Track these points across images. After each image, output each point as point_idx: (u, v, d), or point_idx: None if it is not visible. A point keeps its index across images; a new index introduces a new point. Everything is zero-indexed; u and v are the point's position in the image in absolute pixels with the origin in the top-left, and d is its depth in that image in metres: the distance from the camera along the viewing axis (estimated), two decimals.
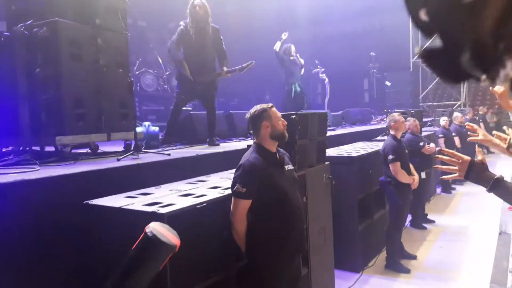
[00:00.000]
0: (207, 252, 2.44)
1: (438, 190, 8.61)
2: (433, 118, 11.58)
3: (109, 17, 4.08)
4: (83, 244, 2.51)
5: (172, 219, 2.14)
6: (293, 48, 8.28)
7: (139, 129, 4.46)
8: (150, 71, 10.29)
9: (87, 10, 3.94)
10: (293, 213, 2.64)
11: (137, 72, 9.89)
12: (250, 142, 2.80)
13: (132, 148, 3.83)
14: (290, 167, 2.78)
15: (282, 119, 2.71)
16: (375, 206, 5.17)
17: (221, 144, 5.14)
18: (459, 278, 4.44)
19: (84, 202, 2.58)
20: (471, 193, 8.36)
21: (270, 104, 2.74)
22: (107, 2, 4.07)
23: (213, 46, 5.03)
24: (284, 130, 2.67)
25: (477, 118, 13.38)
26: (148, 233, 1.61)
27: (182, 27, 5.00)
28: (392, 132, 4.88)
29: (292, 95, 8.27)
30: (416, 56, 15.91)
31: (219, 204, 2.55)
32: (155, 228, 1.65)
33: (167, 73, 10.62)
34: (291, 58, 8.25)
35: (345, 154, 4.87)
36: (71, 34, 3.77)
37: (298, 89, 8.32)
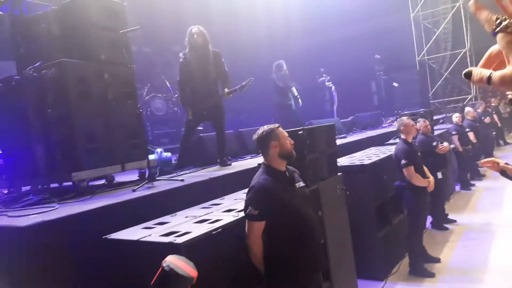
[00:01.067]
0: (226, 277, 2.47)
1: (457, 187, 8.49)
2: (445, 115, 11.46)
3: (113, 52, 4.19)
4: (104, 280, 2.56)
5: (189, 248, 2.18)
6: (284, 64, 8.72)
7: (151, 157, 4.54)
8: (159, 95, 10.45)
9: (92, 47, 4.06)
10: (308, 230, 2.66)
11: (146, 98, 10.06)
12: (262, 159, 2.84)
13: (146, 177, 3.90)
14: (301, 184, 2.81)
15: (290, 138, 2.74)
16: (393, 212, 5.14)
17: (233, 164, 5.19)
18: (487, 278, 4.36)
19: (103, 237, 2.64)
20: (491, 188, 8.23)
21: (277, 125, 2.79)
22: (111, 37, 4.19)
23: (215, 70, 5.12)
24: (292, 149, 2.71)
25: (490, 110, 13.19)
26: (165, 268, 1.64)
27: (181, 59, 5.13)
28: (402, 136, 4.86)
29: (293, 108, 8.58)
30: (421, 54, 15.86)
31: (235, 228, 2.58)
32: (171, 261, 1.68)
33: (176, 95, 10.77)
34: (286, 72, 8.60)
35: (358, 162, 4.86)
36: (78, 72, 3.89)
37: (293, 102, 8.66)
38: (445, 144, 6.24)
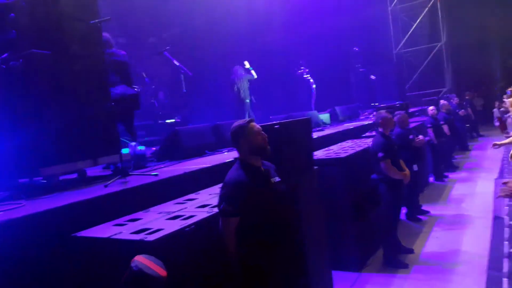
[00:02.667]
0: (200, 274, 2.44)
1: (431, 179, 8.67)
2: (420, 108, 11.66)
3: (84, 43, 4.06)
4: (73, 280, 2.50)
5: (161, 246, 2.14)
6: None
7: (125, 151, 4.45)
8: (135, 87, 10.26)
9: (62, 38, 3.92)
10: (283, 225, 2.65)
11: None
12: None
13: (118, 172, 3.82)
14: (276, 179, 2.79)
15: (262, 132, 2.70)
16: (369, 204, 5.19)
17: (209, 157, 5.14)
18: (457, 268, 4.47)
19: (72, 235, 2.57)
20: (464, 180, 8.44)
21: (248, 119, 2.75)
22: (81, 28, 4.06)
23: None
24: (264, 144, 2.67)
25: (464, 103, 13.50)
26: (134, 268, 1.61)
27: None
28: (380, 129, 4.91)
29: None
30: (399, 47, 16.06)
31: (208, 224, 2.55)
32: (140, 261, 1.65)
33: (153, 87, 10.61)
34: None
35: (334, 155, 4.89)
36: (48, 64, 3.75)
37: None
38: (421, 137, 6.35)
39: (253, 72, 9.21)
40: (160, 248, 2.13)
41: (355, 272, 4.64)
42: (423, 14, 15.49)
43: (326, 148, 5.71)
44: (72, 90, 3.87)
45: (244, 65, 9.20)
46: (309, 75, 11.18)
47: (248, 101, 9.13)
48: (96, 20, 4.02)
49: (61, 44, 3.90)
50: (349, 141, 6.56)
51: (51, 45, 3.88)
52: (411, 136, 6.12)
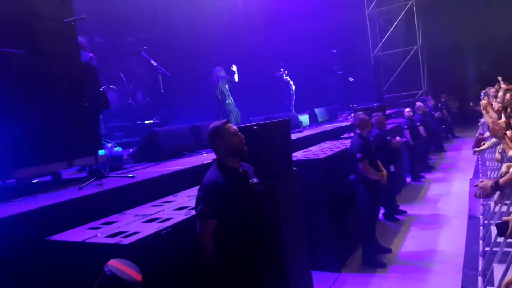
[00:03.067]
0: (176, 278, 2.40)
1: (408, 179, 8.83)
2: (397, 110, 11.86)
3: (59, 42, 3.97)
4: (46, 284, 2.42)
5: (136, 249, 2.10)
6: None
7: (101, 152, 4.36)
8: (113, 87, 10.08)
9: (35, 37, 3.81)
10: (261, 226, 2.63)
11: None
12: None
13: (94, 174, 3.74)
14: (255, 180, 2.77)
15: (239, 133, 2.68)
16: (347, 205, 5.24)
17: (188, 159, 5.09)
18: (434, 267, 4.55)
19: (45, 238, 2.50)
20: (440, 180, 8.62)
21: (224, 120, 2.71)
22: (56, 27, 3.95)
23: None
24: (241, 145, 2.64)
25: (439, 105, 13.80)
26: (107, 272, 1.57)
27: None
28: (358, 131, 4.96)
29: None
30: (376, 50, 16.32)
31: (186, 227, 2.52)
32: (114, 265, 1.60)
33: (131, 87, 10.44)
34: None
35: (312, 157, 4.91)
36: (21, 64, 3.64)
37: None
38: (397, 138, 6.45)
39: (236, 76, 9.33)
40: (135, 251, 2.09)
41: (335, 272, 4.67)
42: (399, 18, 15.79)
43: (305, 149, 5.74)
44: (46, 90, 3.77)
45: (231, 67, 9.32)
46: (288, 77, 11.22)
47: (228, 102, 9.20)
48: (70, 19, 3.93)
49: (34, 43, 3.79)
50: (328, 142, 6.61)
51: (24, 44, 3.78)
52: (388, 138, 6.21)
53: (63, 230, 2.60)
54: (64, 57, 4.02)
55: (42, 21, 3.88)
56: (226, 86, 9.24)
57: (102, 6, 9.43)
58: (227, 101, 9.16)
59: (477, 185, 2.91)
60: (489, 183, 2.86)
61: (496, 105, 5.13)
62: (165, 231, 2.32)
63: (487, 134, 5.79)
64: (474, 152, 5.78)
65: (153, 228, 2.36)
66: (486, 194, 2.89)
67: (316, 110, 10.88)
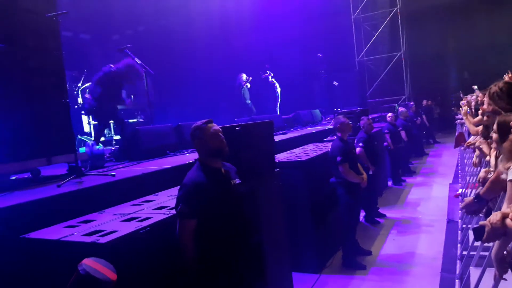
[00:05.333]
0: (155, 278, 2.38)
1: (389, 183, 8.93)
2: (379, 114, 12.01)
3: (39, 37, 3.89)
4: (22, 283, 2.37)
5: (113, 248, 2.07)
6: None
7: (82, 149, 4.30)
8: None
9: (16, 31, 3.73)
10: (242, 227, 2.63)
11: (83, 87, 9.53)
12: None
13: (73, 172, 3.67)
14: (237, 181, 2.76)
15: (220, 134, 2.66)
16: (328, 207, 5.27)
17: (170, 158, 5.05)
18: (412, 269, 4.61)
19: (21, 236, 2.45)
20: (420, 184, 8.75)
21: (206, 120, 2.69)
22: (37, 21, 3.88)
23: None
24: (221, 146, 2.62)
25: (420, 110, 14.02)
26: (81, 271, 1.54)
27: None
28: (338, 134, 5.00)
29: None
30: (361, 55, 16.50)
31: (165, 226, 2.49)
32: (88, 264, 1.58)
33: None
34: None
35: (295, 158, 4.93)
36: (0, 58, 3.57)
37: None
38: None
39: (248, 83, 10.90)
40: (113, 250, 2.06)
41: (315, 274, 4.69)
42: (384, 24, 16.00)
43: (289, 151, 5.75)
44: (25, 85, 3.70)
45: (241, 76, 10.80)
46: (274, 79, 11.28)
47: (248, 102, 10.73)
48: (52, 14, 3.86)
49: (15, 37, 3.72)
50: (311, 144, 6.64)
51: (4, 37, 3.70)
52: (375, 142, 6.30)
53: (40, 228, 2.55)
54: (46, 52, 3.95)
55: (23, 15, 3.80)
56: (246, 89, 10.73)
57: (88, 3, 9.33)
58: (247, 101, 10.69)
59: (457, 195, 2.92)
60: (468, 199, 2.86)
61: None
62: (144, 230, 2.30)
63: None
64: (468, 145, 5.83)
65: (131, 227, 2.33)
66: (474, 210, 2.88)
67: (301, 112, 10.95)
